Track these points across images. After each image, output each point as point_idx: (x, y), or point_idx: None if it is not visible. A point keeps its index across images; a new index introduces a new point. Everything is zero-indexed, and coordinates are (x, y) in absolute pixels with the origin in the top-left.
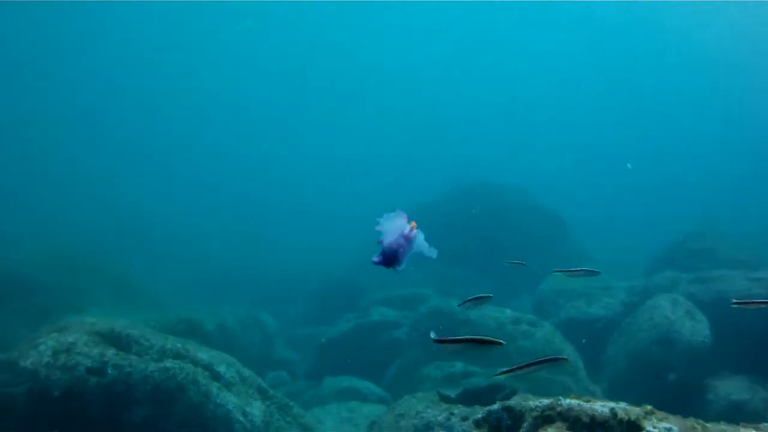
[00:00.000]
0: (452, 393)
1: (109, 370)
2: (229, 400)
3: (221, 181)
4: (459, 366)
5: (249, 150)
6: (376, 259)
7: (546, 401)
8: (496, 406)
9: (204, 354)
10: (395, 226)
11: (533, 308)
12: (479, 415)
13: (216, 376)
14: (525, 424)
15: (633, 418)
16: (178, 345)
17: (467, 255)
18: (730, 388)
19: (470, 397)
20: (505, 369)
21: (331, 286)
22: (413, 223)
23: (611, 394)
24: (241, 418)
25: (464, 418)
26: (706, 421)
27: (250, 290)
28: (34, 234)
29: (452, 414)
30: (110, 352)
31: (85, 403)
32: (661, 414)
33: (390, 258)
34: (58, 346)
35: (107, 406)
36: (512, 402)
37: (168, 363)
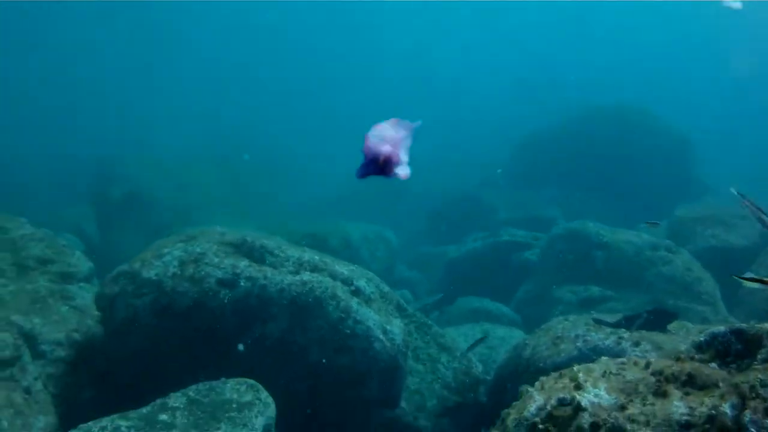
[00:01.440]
0: (608, 319)
1: (242, 283)
2: (369, 316)
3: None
4: (595, 290)
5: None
6: (359, 171)
7: None
8: (721, 329)
9: (343, 268)
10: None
11: (667, 235)
12: (701, 338)
13: (355, 292)
14: (765, 350)
15: None
16: (316, 257)
17: (590, 180)
18: None
19: (630, 324)
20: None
21: (456, 204)
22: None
23: None
24: (381, 336)
25: (636, 344)
26: None
27: (371, 207)
28: (143, 149)
29: (621, 338)
30: (243, 264)
31: (215, 317)
32: None
33: (374, 161)
34: (185, 257)
35: (239, 320)
36: (743, 325)
37: (305, 276)
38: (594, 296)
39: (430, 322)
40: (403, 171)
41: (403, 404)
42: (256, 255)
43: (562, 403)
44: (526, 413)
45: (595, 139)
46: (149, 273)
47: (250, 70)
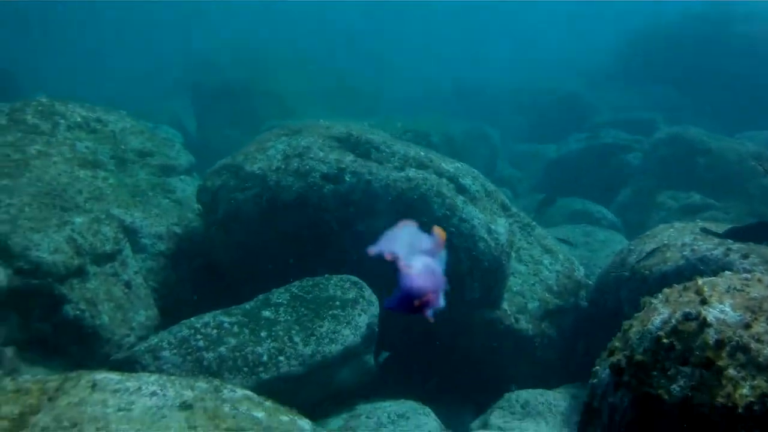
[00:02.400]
0: (716, 229)
1: (347, 178)
2: (475, 215)
3: None
4: (697, 197)
5: None
6: (391, 302)
7: None
8: None
9: (449, 164)
10: (410, 244)
11: None
12: None
13: (461, 189)
14: None
15: None
16: (422, 153)
17: (690, 82)
18: None
19: (738, 235)
20: None
21: (557, 103)
22: (442, 233)
23: None
24: (485, 236)
25: (744, 256)
26: None
27: (474, 104)
28: (236, 37)
29: (730, 250)
30: (348, 159)
31: (319, 211)
32: None
33: (414, 302)
34: (289, 150)
35: (343, 216)
36: None
37: (411, 172)
38: (695, 203)
39: (533, 222)
40: (430, 314)
41: (504, 305)
42: (362, 150)
43: (687, 317)
44: (650, 326)
45: (699, 42)
46: (253, 167)
47: None
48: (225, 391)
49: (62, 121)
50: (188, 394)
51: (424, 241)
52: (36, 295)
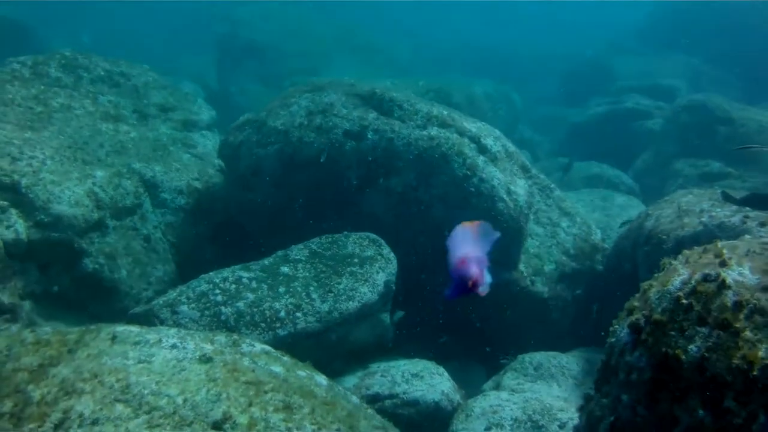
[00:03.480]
0: (736, 195)
1: (370, 135)
2: (495, 175)
3: None
4: (715, 165)
5: None
6: (449, 293)
7: None
8: None
9: (471, 124)
10: (465, 242)
11: None
12: None
13: (482, 149)
14: None
15: None
16: (444, 112)
17: (716, 52)
18: None
19: (758, 202)
20: None
21: (580, 67)
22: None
23: None
24: (504, 197)
25: (763, 224)
26: None
27: (496, 66)
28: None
29: (747, 217)
30: (371, 116)
31: (341, 168)
32: None
33: (464, 285)
34: (312, 107)
35: (364, 173)
36: None
37: (433, 131)
38: (713, 171)
39: (552, 185)
40: (484, 290)
41: (521, 267)
42: (385, 107)
43: (706, 279)
44: (670, 286)
45: (730, 11)
46: (275, 122)
47: None
48: (244, 345)
49: (85, 74)
50: (208, 348)
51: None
52: (56, 248)
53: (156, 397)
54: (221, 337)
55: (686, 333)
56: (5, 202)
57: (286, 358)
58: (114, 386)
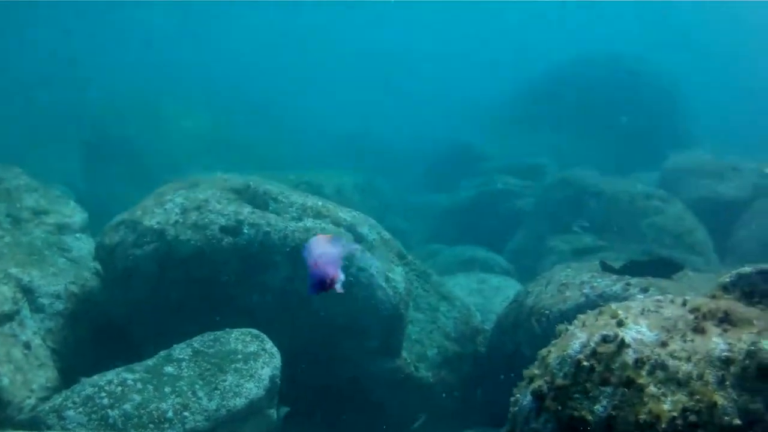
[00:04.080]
0: (614, 264)
1: (245, 230)
2: (372, 263)
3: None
4: (588, 240)
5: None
6: (311, 289)
7: None
8: (748, 269)
9: (346, 214)
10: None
11: (659, 185)
12: (726, 279)
13: (358, 238)
14: None
15: None
16: (319, 203)
17: (581, 127)
18: None
19: (637, 270)
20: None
21: (446, 151)
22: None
23: None
24: (383, 284)
25: (644, 290)
26: None
27: (363, 156)
28: (126, 96)
29: (629, 285)
30: (246, 210)
31: (218, 265)
32: None
33: (322, 283)
34: (187, 204)
35: (242, 268)
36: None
37: (309, 222)
38: (587, 246)
39: (429, 270)
40: (339, 287)
41: (404, 354)
42: (260, 201)
43: (605, 339)
44: (569, 350)
45: (588, 86)
46: (151, 221)
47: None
48: None
49: None
50: None
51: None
52: None
53: None
54: None
55: (590, 394)
56: None
57: None
58: None
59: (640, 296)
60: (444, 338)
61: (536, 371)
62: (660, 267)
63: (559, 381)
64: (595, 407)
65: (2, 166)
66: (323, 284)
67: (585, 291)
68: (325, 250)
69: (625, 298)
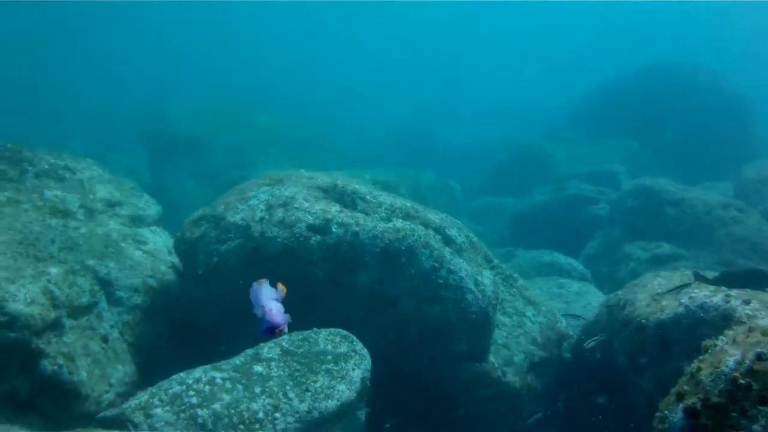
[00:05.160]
0: (707, 275)
1: (334, 229)
2: (462, 266)
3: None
4: (666, 248)
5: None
6: (262, 333)
7: None
8: None
9: (434, 216)
10: (264, 295)
11: (734, 195)
12: None
13: (447, 241)
14: None
15: None
16: (408, 204)
17: (653, 136)
18: None
19: (732, 281)
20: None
21: (516, 155)
22: (283, 288)
23: None
24: (473, 288)
25: (746, 302)
26: None
27: (430, 155)
28: (191, 91)
29: (729, 296)
30: (334, 209)
31: (305, 264)
32: None
33: (272, 328)
34: (273, 200)
35: (330, 268)
36: None
37: (398, 223)
38: (665, 254)
39: (515, 274)
40: (285, 331)
41: (491, 358)
42: (347, 200)
43: (760, 357)
44: (723, 368)
45: (661, 95)
46: (235, 217)
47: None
48: None
49: (30, 168)
50: None
51: (275, 292)
52: (11, 349)
53: None
54: None
55: (748, 413)
56: None
57: None
58: None
59: (744, 307)
60: (530, 343)
61: (686, 387)
62: (755, 279)
63: (714, 399)
64: (754, 426)
65: (74, 157)
66: (273, 331)
67: (683, 301)
68: (273, 300)
69: (728, 310)
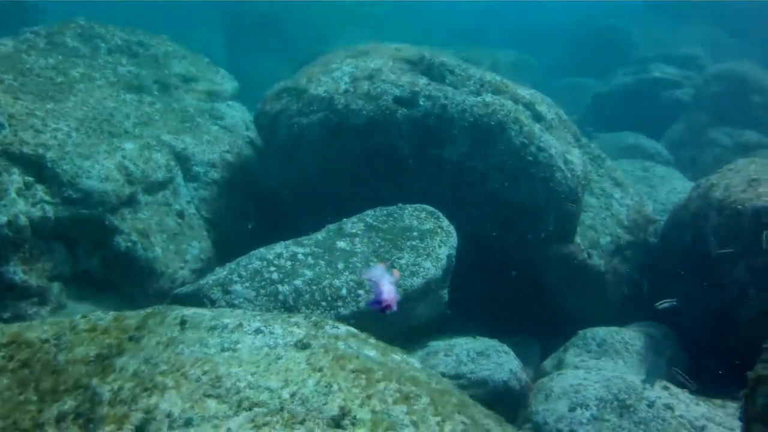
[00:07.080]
0: None
1: (421, 102)
2: (552, 144)
3: None
4: (752, 136)
5: None
6: (372, 304)
7: None
8: None
9: (524, 91)
10: (380, 275)
11: None
12: None
13: (537, 117)
14: None
15: None
16: (497, 78)
17: (731, 20)
18: None
19: None
20: None
21: (595, 36)
22: (396, 271)
23: None
24: (562, 166)
25: None
26: None
27: (507, 33)
28: None
29: None
30: (422, 82)
31: (391, 137)
32: None
33: (383, 305)
34: (357, 72)
35: (417, 141)
36: None
37: (488, 97)
38: (751, 141)
39: (603, 154)
40: (392, 310)
41: (577, 239)
42: (435, 73)
43: None
44: None
45: None
46: (318, 89)
47: None
48: (327, 327)
49: (102, 44)
50: (298, 332)
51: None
52: (85, 225)
53: (255, 390)
54: (300, 319)
55: None
56: (30, 178)
57: (372, 341)
58: (201, 379)
59: None
60: (617, 226)
61: None
62: None
63: None
64: None
65: (147, 34)
66: (384, 309)
67: None
68: (386, 279)
69: None
